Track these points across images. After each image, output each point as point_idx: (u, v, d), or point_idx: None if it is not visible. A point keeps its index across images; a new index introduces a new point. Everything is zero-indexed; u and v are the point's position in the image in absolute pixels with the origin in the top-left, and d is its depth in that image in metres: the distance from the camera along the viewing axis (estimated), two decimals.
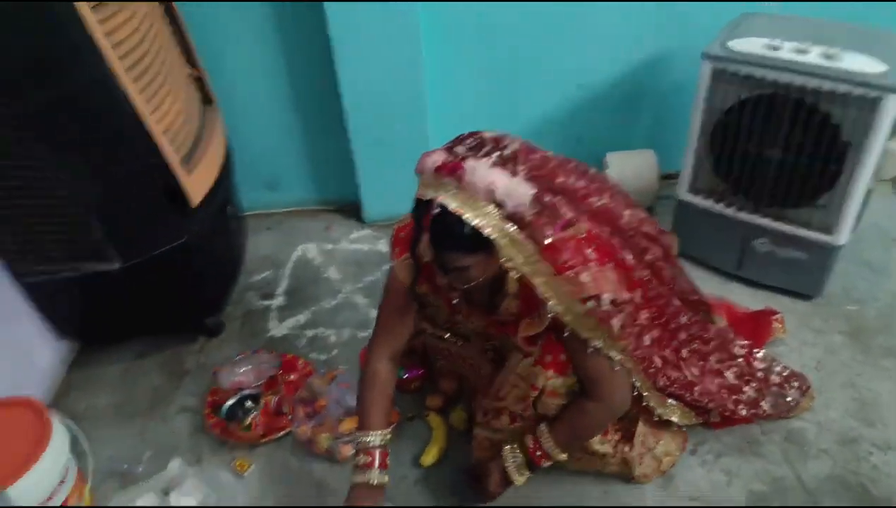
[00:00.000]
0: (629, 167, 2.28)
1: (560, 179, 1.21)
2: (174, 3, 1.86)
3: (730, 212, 1.94)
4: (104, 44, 1.42)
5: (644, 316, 1.42)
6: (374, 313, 2.01)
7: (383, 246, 2.37)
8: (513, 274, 1.19)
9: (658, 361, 1.48)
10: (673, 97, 2.31)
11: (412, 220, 1.22)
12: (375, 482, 1.31)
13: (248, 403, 1.68)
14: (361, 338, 1.96)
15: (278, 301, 2.14)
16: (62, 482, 1.40)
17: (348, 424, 1.62)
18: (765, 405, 1.62)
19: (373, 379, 1.40)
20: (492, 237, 1.09)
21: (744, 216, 1.92)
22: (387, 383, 1.41)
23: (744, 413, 1.59)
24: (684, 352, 1.58)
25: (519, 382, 1.37)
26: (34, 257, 1.67)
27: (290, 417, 1.68)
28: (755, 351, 1.72)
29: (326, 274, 2.25)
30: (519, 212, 1.09)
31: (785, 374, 1.70)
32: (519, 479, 1.37)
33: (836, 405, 1.68)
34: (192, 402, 1.81)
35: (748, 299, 2.00)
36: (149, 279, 1.76)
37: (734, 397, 1.61)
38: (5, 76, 1.37)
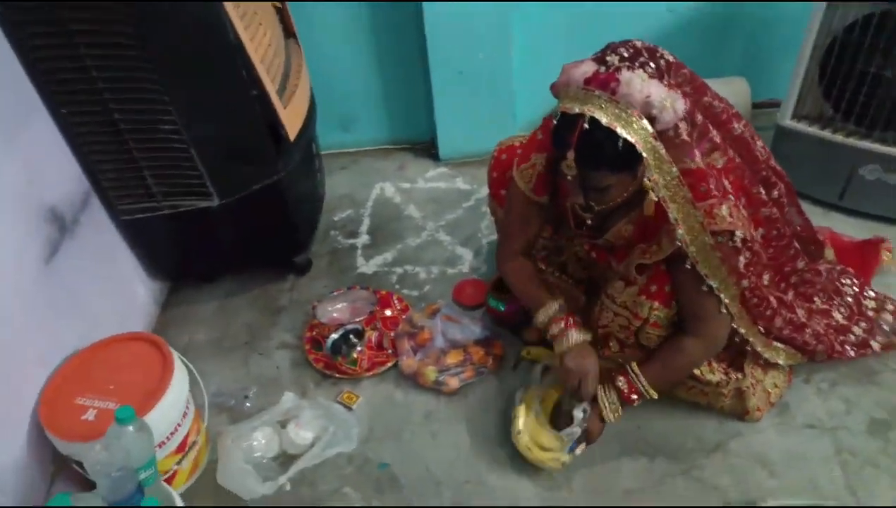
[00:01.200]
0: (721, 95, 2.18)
1: (707, 98, 1.15)
2: None
3: (838, 137, 1.85)
4: None
5: (765, 255, 1.37)
6: (459, 250, 2.03)
7: (461, 183, 2.33)
8: (651, 196, 1.12)
9: (774, 302, 1.43)
10: (772, 25, 2.20)
11: (535, 134, 1.23)
12: (581, 339, 1.32)
13: (352, 338, 1.68)
14: (451, 275, 1.95)
15: (363, 239, 2.13)
16: (185, 415, 1.43)
17: (454, 357, 1.62)
18: (875, 344, 1.57)
19: (518, 271, 1.44)
20: (643, 155, 1.04)
21: (852, 141, 1.83)
22: (531, 270, 1.45)
23: (852, 354, 1.54)
24: (791, 294, 1.53)
25: (622, 311, 1.33)
26: (135, 194, 1.67)
27: (389, 351, 1.68)
28: (866, 288, 1.66)
29: (407, 211, 2.22)
30: (670, 129, 1.04)
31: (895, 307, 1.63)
32: (612, 417, 1.34)
33: None
34: (289, 338, 1.82)
35: (851, 229, 1.93)
36: (244, 215, 1.75)
37: (841, 337, 1.55)
38: (132, 8, 1.34)
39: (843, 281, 1.65)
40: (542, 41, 2.22)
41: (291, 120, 1.72)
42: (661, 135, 1.05)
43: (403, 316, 1.75)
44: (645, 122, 1.03)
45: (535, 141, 1.35)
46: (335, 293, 1.83)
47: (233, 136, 1.61)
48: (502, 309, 1.70)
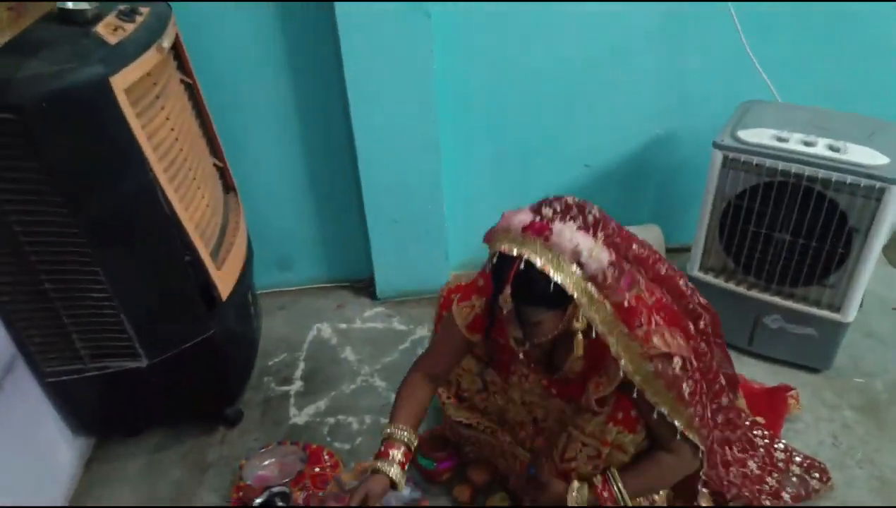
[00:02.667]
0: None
1: (634, 247, 1.29)
2: (201, 98, 1.90)
3: (741, 289, 2.00)
4: (146, 147, 1.45)
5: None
6: (393, 396, 2.05)
7: (397, 323, 2.39)
8: (579, 335, 1.22)
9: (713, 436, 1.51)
10: (677, 174, 2.41)
11: (476, 279, 1.33)
12: (388, 471, 1.35)
13: (278, 501, 1.66)
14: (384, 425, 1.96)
15: (296, 386, 2.13)
16: None
17: None
18: (785, 495, 1.65)
19: (410, 385, 1.48)
20: (574, 295, 1.14)
21: (755, 294, 1.98)
22: (422, 392, 1.48)
23: (767, 503, 1.62)
24: (718, 433, 1.61)
25: (589, 440, 1.37)
26: (62, 357, 1.66)
27: None
28: (776, 440, 1.76)
29: (343, 354, 2.25)
30: (598, 275, 1.15)
31: (805, 464, 1.72)
32: (576, 500, 1.35)
33: (858, 483, 1.72)
34: (214, 498, 1.78)
35: (760, 372, 2.05)
36: (173, 373, 1.76)
37: (756, 487, 1.64)
38: (64, 180, 1.39)
39: (755, 433, 1.74)
40: (472, 192, 2.36)
41: (225, 279, 1.76)
42: (592, 278, 1.16)
43: (333, 476, 1.75)
44: (574, 267, 1.14)
45: (475, 285, 1.46)
46: (263, 449, 1.82)
47: (164, 300, 1.64)
48: (433, 467, 1.72)
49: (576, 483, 1.37)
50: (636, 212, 2.50)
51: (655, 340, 1.21)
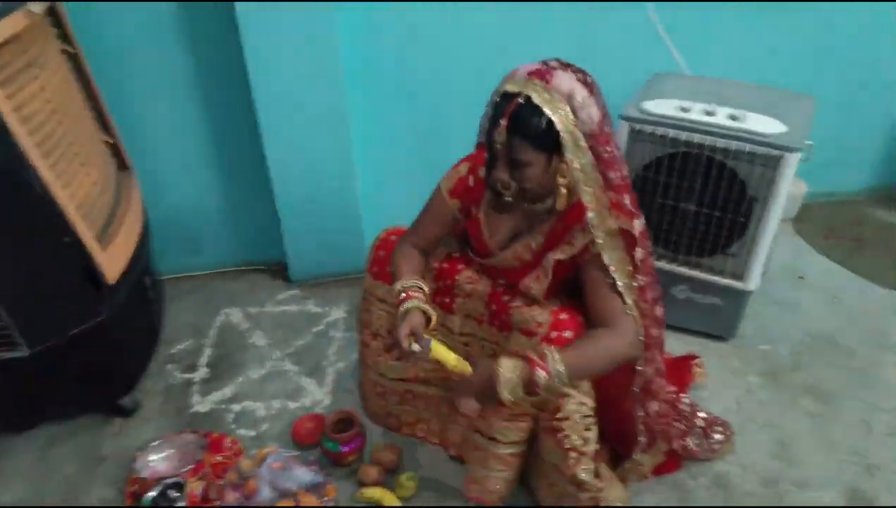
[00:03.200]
0: None
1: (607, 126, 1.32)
2: (87, 69, 1.77)
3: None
4: (12, 121, 1.34)
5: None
6: (304, 381, 2.01)
7: (312, 305, 2.32)
8: (562, 190, 1.27)
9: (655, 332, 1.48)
10: None
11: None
12: (420, 306, 1.38)
13: (172, 493, 1.58)
14: (292, 410, 1.90)
15: (201, 373, 2.04)
16: None
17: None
18: (690, 442, 1.68)
19: (401, 252, 1.51)
20: (562, 134, 1.20)
21: (663, 265, 2.00)
22: (416, 257, 1.51)
23: (675, 438, 1.65)
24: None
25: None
26: None
27: (217, 503, 1.60)
28: (682, 395, 1.78)
29: (252, 339, 2.17)
30: (587, 123, 1.22)
31: (709, 419, 1.76)
32: (506, 395, 1.26)
33: (758, 446, 1.76)
34: (110, 492, 1.68)
35: (670, 343, 2.05)
36: (60, 362, 1.66)
37: (669, 426, 1.66)
38: None
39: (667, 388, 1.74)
40: (387, 169, 2.31)
41: (113, 261, 1.66)
42: (581, 126, 1.22)
43: (234, 464, 1.68)
44: (568, 110, 1.20)
45: (465, 159, 1.50)
46: (159, 440, 1.73)
47: (41, 284, 1.53)
48: (338, 449, 1.67)
49: (506, 361, 1.27)
50: None
51: (625, 199, 1.29)
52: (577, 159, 1.22)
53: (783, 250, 2.43)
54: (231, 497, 1.58)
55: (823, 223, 2.65)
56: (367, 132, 2.20)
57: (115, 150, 1.94)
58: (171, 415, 1.89)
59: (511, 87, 1.22)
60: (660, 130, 1.79)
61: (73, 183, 1.56)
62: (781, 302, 2.25)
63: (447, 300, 1.55)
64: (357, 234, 2.32)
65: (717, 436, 1.73)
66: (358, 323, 1.75)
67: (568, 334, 1.33)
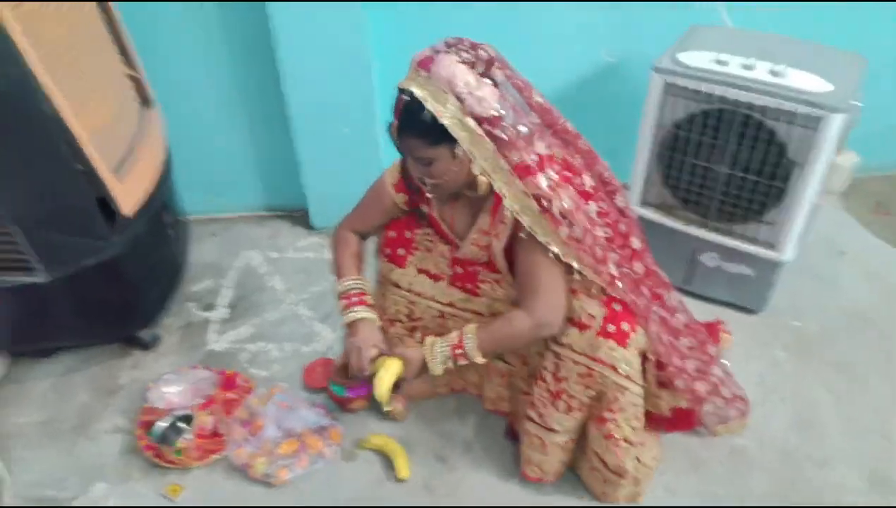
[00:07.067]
0: None
1: (536, 97, 1.26)
2: (110, 3, 1.76)
3: (679, 225, 1.93)
4: (22, 42, 1.33)
5: (599, 233, 1.32)
6: (318, 326, 2.00)
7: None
8: (480, 177, 1.22)
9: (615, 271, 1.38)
10: (624, 106, 2.29)
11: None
12: (362, 316, 1.43)
13: (181, 424, 1.60)
14: (304, 353, 1.90)
15: (220, 312, 2.06)
16: None
17: (287, 447, 1.57)
18: (707, 407, 1.61)
19: (343, 241, 1.53)
20: (448, 127, 1.13)
21: (693, 230, 1.92)
22: (355, 245, 1.53)
23: (691, 397, 1.55)
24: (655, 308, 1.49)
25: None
26: None
27: (226, 438, 1.62)
28: (722, 359, 1.68)
29: (271, 283, 2.18)
30: (478, 109, 1.13)
31: (732, 394, 1.66)
32: (438, 369, 1.36)
33: (778, 419, 1.69)
34: (123, 422, 1.72)
35: (696, 312, 1.95)
36: (79, 291, 1.68)
37: (692, 383, 1.57)
38: None
39: (707, 342, 1.63)
40: None
41: (129, 193, 1.67)
42: (473, 114, 1.14)
43: (243, 400, 1.69)
44: (453, 99, 1.13)
45: None
46: (171, 373, 1.75)
47: (56, 212, 1.54)
48: (344, 394, 1.67)
49: (432, 339, 1.38)
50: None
51: (538, 179, 1.19)
52: (475, 149, 1.17)
53: (826, 223, 2.29)
54: (239, 432, 1.59)
55: (872, 197, 2.50)
56: (390, 77, 2.14)
57: (138, 85, 1.93)
58: (187, 352, 1.92)
59: (401, 82, 1.17)
60: (693, 84, 1.69)
61: (86, 109, 1.54)
62: (818, 276, 2.14)
63: (401, 252, 1.53)
64: None
65: (732, 412, 1.64)
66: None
67: (626, 326, 1.30)
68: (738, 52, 1.72)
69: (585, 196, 1.30)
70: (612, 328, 1.30)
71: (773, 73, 1.63)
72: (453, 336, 1.36)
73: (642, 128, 1.84)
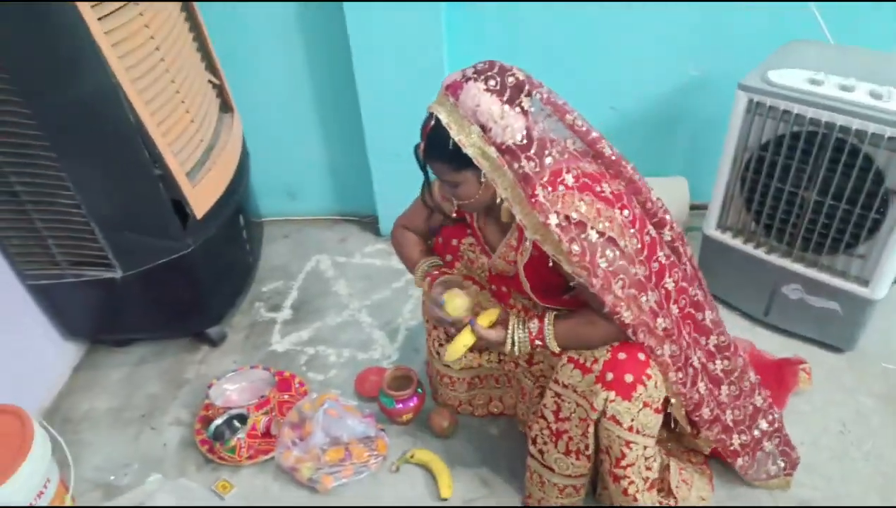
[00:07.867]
0: (659, 193, 2.15)
1: (577, 122, 1.19)
2: (196, 9, 1.84)
3: (760, 253, 1.80)
4: (109, 52, 1.41)
5: (641, 270, 1.23)
6: (376, 334, 2.01)
7: (396, 261, 2.29)
8: (505, 203, 1.17)
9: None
10: (710, 124, 2.17)
11: None
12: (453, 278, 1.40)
13: (236, 423, 1.64)
14: (361, 360, 1.92)
15: (285, 314, 2.11)
16: (41, 492, 1.40)
17: (333, 454, 1.58)
18: (742, 461, 1.50)
19: (403, 236, 1.54)
20: (470, 155, 1.11)
21: (774, 259, 1.78)
22: (413, 237, 1.54)
23: (722, 448, 1.47)
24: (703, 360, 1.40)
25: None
26: (40, 261, 1.69)
27: (277, 440, 1.65)
28: (774, 410, 1.57)
29: (335, 288, 2.21)
30: (501, 139, 1.09)
31: (778, 450, 1.54)
32: (516, 351, 1.30)
33: (857, 479, 1.54)
34: (185, 415, 1.79)
35: (775, 346, 1.86)
36: (151, 287, 1.76)
37: (722, 436, 1.46)
38: (20, 79, 1.38)
39: (758, 389, 1.54)
40: None
41: (202, 197, 1.73)
42: (497, 144, 1.10)
43: (295, 404, 1.72)
44: (476, 128, 1.10)
45: None
46: (233, 371, 1.80)
47: (134, 213, 1.63)
48: (393, 405, 1.66)
49: (514, 321, 1.31)
50: (665, 162, 2.29)
51: (550, 219, 1.12)
52: (497, 178, 1.13)
53: None
54: (289, 435, 1.62)
55: None
56: None
57: (220, 92, 2.00)
58: (251, 350, 1.98)
59: (431, 105, 1.15)
60: (783, 104, 1.57)
61: (169, 117, 1.62)
62: None
63: (449, 258, 1.51)
64: None
65: (774, 469, 1.52)
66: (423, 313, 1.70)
67: (629, 378, 1.21)
68: (836, 71, 1.58)
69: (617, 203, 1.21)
70: (610, 376, 1.22)
71: (875, 95, 1.49)
72: (534, 325, 1.30)
73: (725, 148, 1.73)
